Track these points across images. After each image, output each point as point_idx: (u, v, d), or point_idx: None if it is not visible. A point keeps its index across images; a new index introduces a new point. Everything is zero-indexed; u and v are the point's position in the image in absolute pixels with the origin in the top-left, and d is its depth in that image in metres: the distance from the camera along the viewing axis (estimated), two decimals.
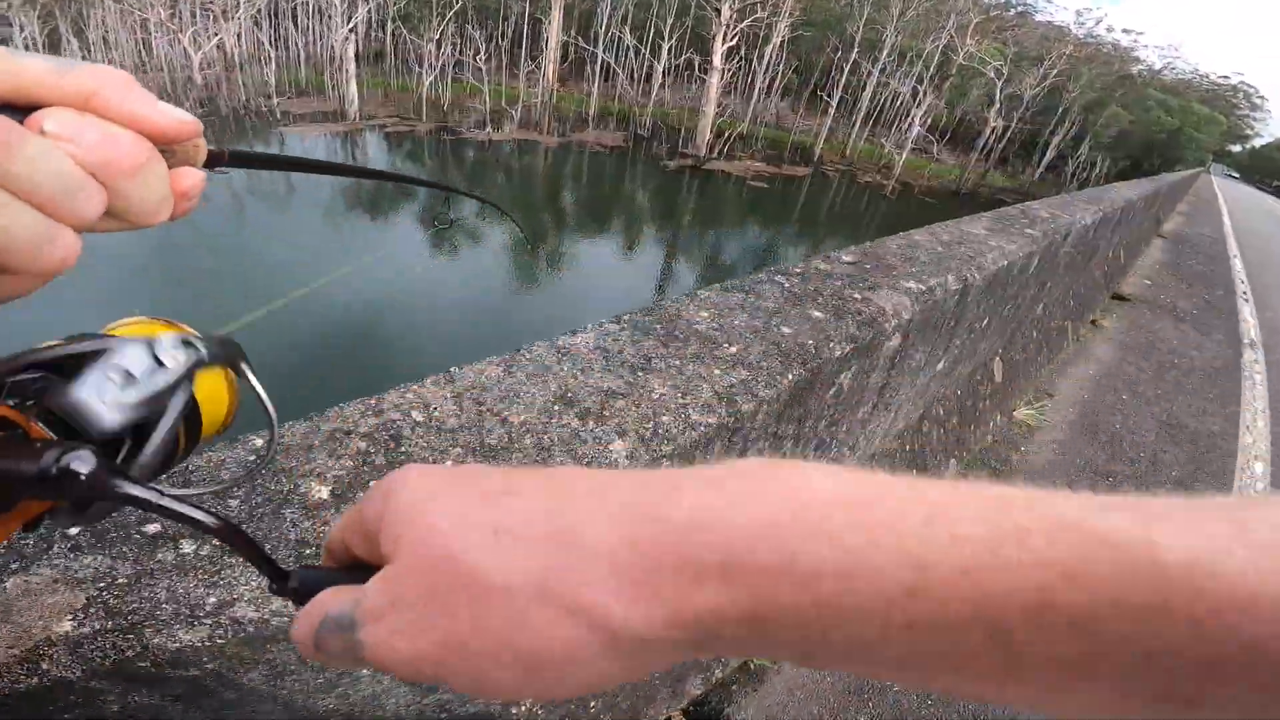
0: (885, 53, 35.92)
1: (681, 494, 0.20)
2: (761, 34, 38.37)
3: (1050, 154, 40.45)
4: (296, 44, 41.09)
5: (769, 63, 38.69)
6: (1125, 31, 46.81)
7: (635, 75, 39.17)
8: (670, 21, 35.05)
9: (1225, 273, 8.08)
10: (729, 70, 34.11)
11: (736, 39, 29.46)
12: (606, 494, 0.21)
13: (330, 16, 38.81)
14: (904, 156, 32.72)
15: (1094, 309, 4.74)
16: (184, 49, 34.91)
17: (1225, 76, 62.46)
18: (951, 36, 37.44)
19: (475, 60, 32.14)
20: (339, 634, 0.23)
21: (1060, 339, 3.72)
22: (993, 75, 35.56)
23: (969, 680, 0.18)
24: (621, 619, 0.19)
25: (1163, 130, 41.32)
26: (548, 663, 0.19)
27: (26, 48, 35.39)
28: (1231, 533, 0.16)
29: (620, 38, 36.96)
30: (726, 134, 30.69)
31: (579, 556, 0.19)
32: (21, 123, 0.22)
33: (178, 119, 0.26)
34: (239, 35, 38.49)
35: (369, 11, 43.12)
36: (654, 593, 0.18)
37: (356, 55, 43.66)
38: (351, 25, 32.67)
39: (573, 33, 40.30)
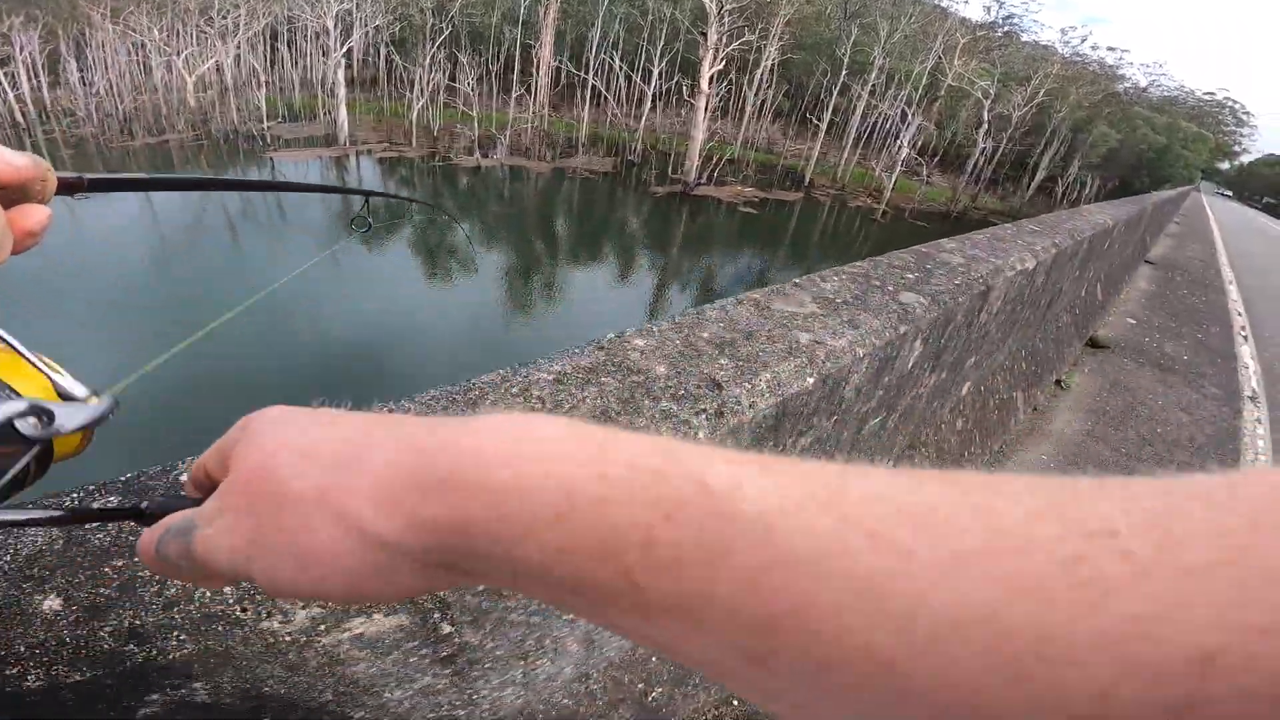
0: (874, 75, 35.47)
1: (444, 429, 0.22)
2: (751, 58, 38.07)
3: (1040, 175, 39.77)
4: (291, 69, 40.98)
5: (759, 86, 38.31)
6: (1110, 49, 46.61)
7: (626, 100, 38.85)
8: (660, 46, 34.76)
9: (1220, 304, 7.21)
10: (718, 94, 33.70)
11: (724, 63, 28.98)
12: (397, 430, 0.23)
13: (325, 41, 38.72)
14: (894, 180, 32.05)
15: (1060, 365, 3.85)
16: (179, 72, 34.80)
17: (1211, 93, 61.86)
18: (940, 58, 37.02)
19: (466, 86, 31.79)
20: (178, 539, 0.26)
21: (1006, 416, 2.85)
22: (980, 96, 35.02)
23: (617, 615, 0.19)
24: (372, 522, 0.21)
25: (1151, 148, 40.64)
26: (318, 560, 0.22)
27: (26, 68, 35.28)
28: (824, 495, 0.17)
29: (609, 63, 36.64)
30: (716, 158, 30.12)
31: (354, 474, 0.22)
32: None
33: (8, 164, 0.27)
34: (236, 59, 38.40)
35: (364, 36, 43.17)
36: (397, 503, 0.21)
37: (350, 80, 43.65)
38: (344, 50, 32.45)
39: (564, 58, 40.11)
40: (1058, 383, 3.77)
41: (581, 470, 0.20)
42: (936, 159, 39.80)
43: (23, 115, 37.49)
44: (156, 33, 39.15)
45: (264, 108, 33.62)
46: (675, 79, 34.77)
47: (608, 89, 37.83)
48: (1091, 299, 4.76)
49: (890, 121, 37.07)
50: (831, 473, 0.18)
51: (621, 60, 38.07)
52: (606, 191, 26.27)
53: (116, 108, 37.19)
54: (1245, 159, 71.02)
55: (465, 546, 0.20)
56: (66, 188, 0.33)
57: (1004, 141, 38.15)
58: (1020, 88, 36.98)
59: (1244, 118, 61.72)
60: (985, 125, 35.23)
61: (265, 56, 41.17)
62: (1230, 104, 61.20)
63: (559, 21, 39.60)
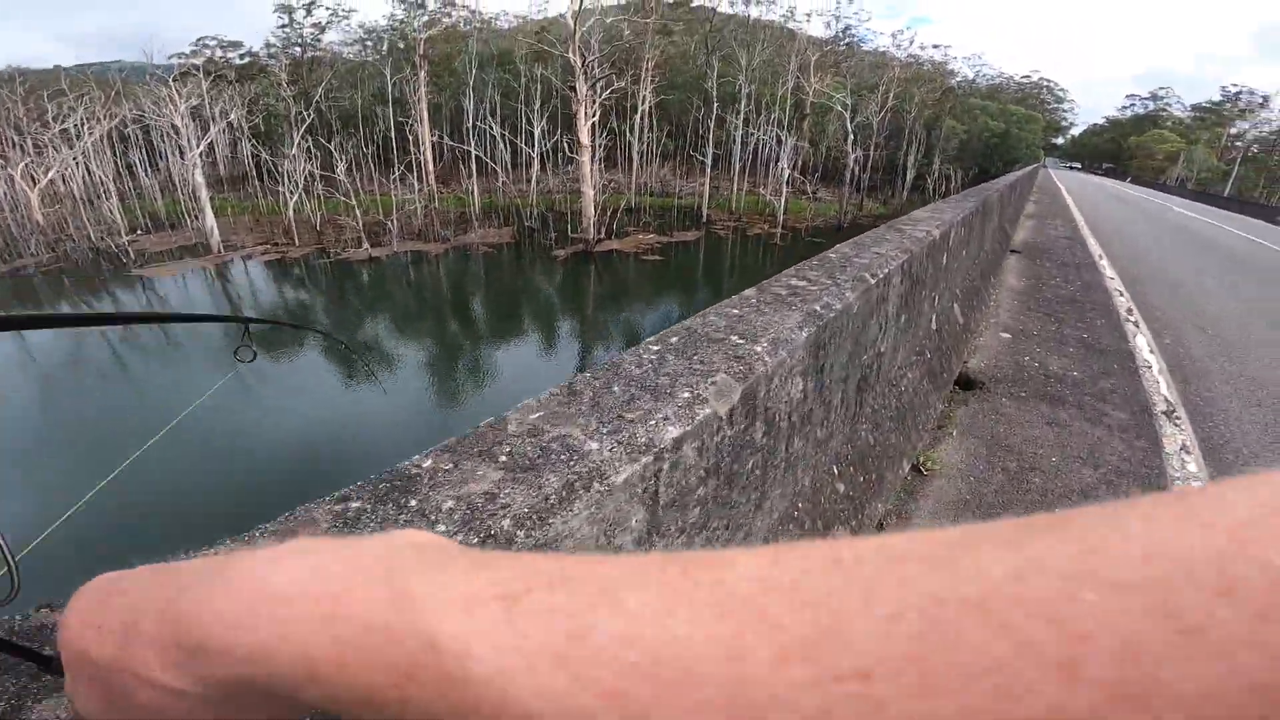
0: (743, 103, 36.16)
1: (201, 587, 0.23)
2: (629, 104, 38.24)
3: (910, 174, 41.40)
4: (148, 174, 38.02)
5: (640, 131, 38.40)
6: (935, 47, 49.88)
7: (514, 165, 37.98)
8: (537, 106, 34.28)
9: (1098, 284, 6.42)
10: (601, 145, 33.37)
11: (598, 114, 28.58)
12: (168, 589, 0.24)
13: (180, 141, 36.15)
14: (782, 201, 32.30)
15: (916, 442, 2.65)
16: (21, 187, 31.39)
17: (1027, 76, 67.39)
18: (798, 77, 38.25)
19: (338, 173, 30.06)
20: (70, 705, 0.28)
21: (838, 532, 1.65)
22: (840, 108, 36.21)
23: None
24: (168, 680, 0.22)
25: (993, 134, 43.19)
26: (152, 712, 0.23)
27: None
28: (561, 646, 0.16)
29: (489, 130, 35.80)
30: (613, 210, 29.49)
31: (135, 643, 0.23)
32: None
33: None
34: (82, 166, 35.14)
35: (223, 131, 40.76)
36: (177, 666, 0.22)
37: (217, 180, 41.02)
38: (201, 148, 30.11)
39: (445, 130, 39.06)
40: (916, 468, 2.56)
41: (315, 635, 0.19)
42: (818, 175, 40.84)
43: None
44: None
45: (121, 219, 30.63)
46: (557, 136, 34.25)
47: (493, 157, 36.95)
48: (949, 329, 3.67)
49: (768, 146, 37.80)
50: (584, 604, 0.17)
51: (502, 125, 37.42)
52: (510, 263, 24.96)
53: None
54: (1074, 132, 77.47)
55: (261, 688, 0.21)
56: None
57: (871, 148, 39.57)
58: (872, 95, 38.63)
59: (1060, 94, 67.49)
60: (851, 136, 36.37)
61: (116, 162, 38.09)
62: (1046, 83, 66.83)
63: (432, 95, 38.71)
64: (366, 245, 25.83)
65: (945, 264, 3.38)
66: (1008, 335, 4.33)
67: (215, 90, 38.52)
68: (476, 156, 34.21)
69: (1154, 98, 67.16)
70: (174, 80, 39.24)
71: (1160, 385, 3.76)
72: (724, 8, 46.41)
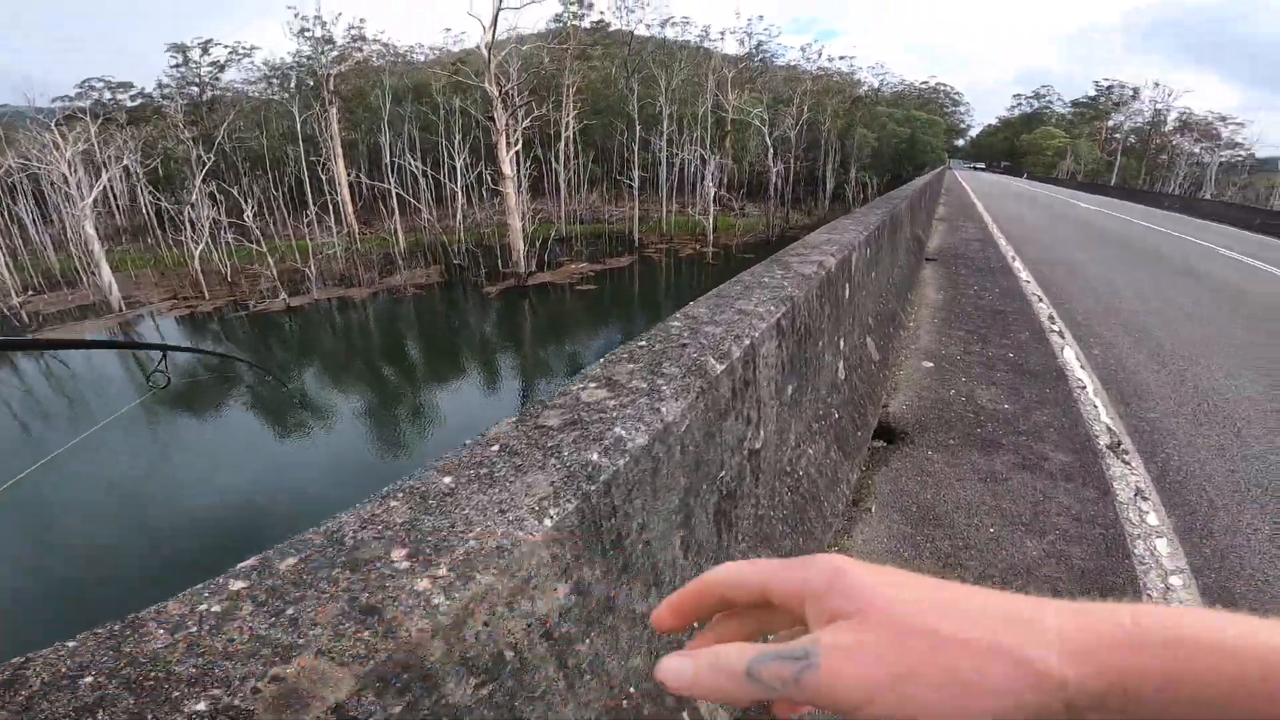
0: (666, 124, 36.30)
1: (1107, 611, 0.26)
2: (553, 131, 37.76)
3: (830, 184, 42.55)
4: (38, 228, 34.61)
5: (566, 159, 37.92)
6: (842, 58, 52.16)
7: (440, 199, 36.67)
8: (458, 138, 33.29)
9: (1017, 292, 6.07)
10: (526, 175, 32.61)
11: (520, 142, 27.88)
12: (1032, 602, 0.28)
13: (70, 190, 33.15)
14: (711, 220, 32.38)
15: (824, 532, 2.03)
16: None
17: (925, 81, 71.38)
18: (716, 95, 38.80)
19: (246, 218, 28.14)
20: (789, 663, 0.29)
21: None
22: (759, 124, 36.87)
23: None
24: (1057, 669, 0.25)
25: (901, 140, 45.16)
26: (980, 693, 0.26)
27: None
28: None
29: (409, 166, 34.49)
30: (543, 240, 28.72)
31: (1034, 631, 0.26)
32: None
33: None
34: None
35: (119, 178, 37.80)
36: (1088, 654, 0.25)
37: (117, 231, 37.88)
38: (91, 197, 27.49)
39: (363, 168, 37.43)
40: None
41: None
42: (744, 191, 41.40)
43: None
44: None
45: (10, 279, 27.64)
46: (480, 167, 33.33)
47: (415, 194, 35.58)
48: (862, 371, 3.12)
49: (694, 166, 38.05)
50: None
51: (423, 160, 36.13)
52: (439, 303, 23.74)
53: None
54: (972, 133, 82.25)
55: (1134, 691, 0.25)
56: None
57: (792, 161, 40.48)
58: (788, 108, 39.61)
59: (957, 97, 71.68)
60: (771, 150, 37.05)
61: (4, 216, 34.53)
62: (943, 88, 70.88)
63: (347, 132, 37.10)
64: (284, 295, 24.10)
65: (849, 297, 2.83)
66: (930, 364, 3.84)
67: (105, 134, 35.65)
68: (398, 194, 32.87)
69: (1037, 96, 72.07)
70: (57, 125, 36.07)
71: (1099, 411, 3.32)
72: (641, 30, 46.93)
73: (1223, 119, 52.15)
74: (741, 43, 49.79)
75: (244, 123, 38.17)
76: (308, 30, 36.65)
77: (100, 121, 37.70)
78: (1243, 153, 49.62)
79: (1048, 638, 0.26)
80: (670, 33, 48.49)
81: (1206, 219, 18.71)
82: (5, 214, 34.81)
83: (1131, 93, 59.08)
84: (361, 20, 51.71)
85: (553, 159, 37.89)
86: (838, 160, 43.70)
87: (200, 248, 28.05)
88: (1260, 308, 6.05)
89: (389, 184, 33.27)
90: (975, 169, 67.12)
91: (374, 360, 17.25)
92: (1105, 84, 63.26)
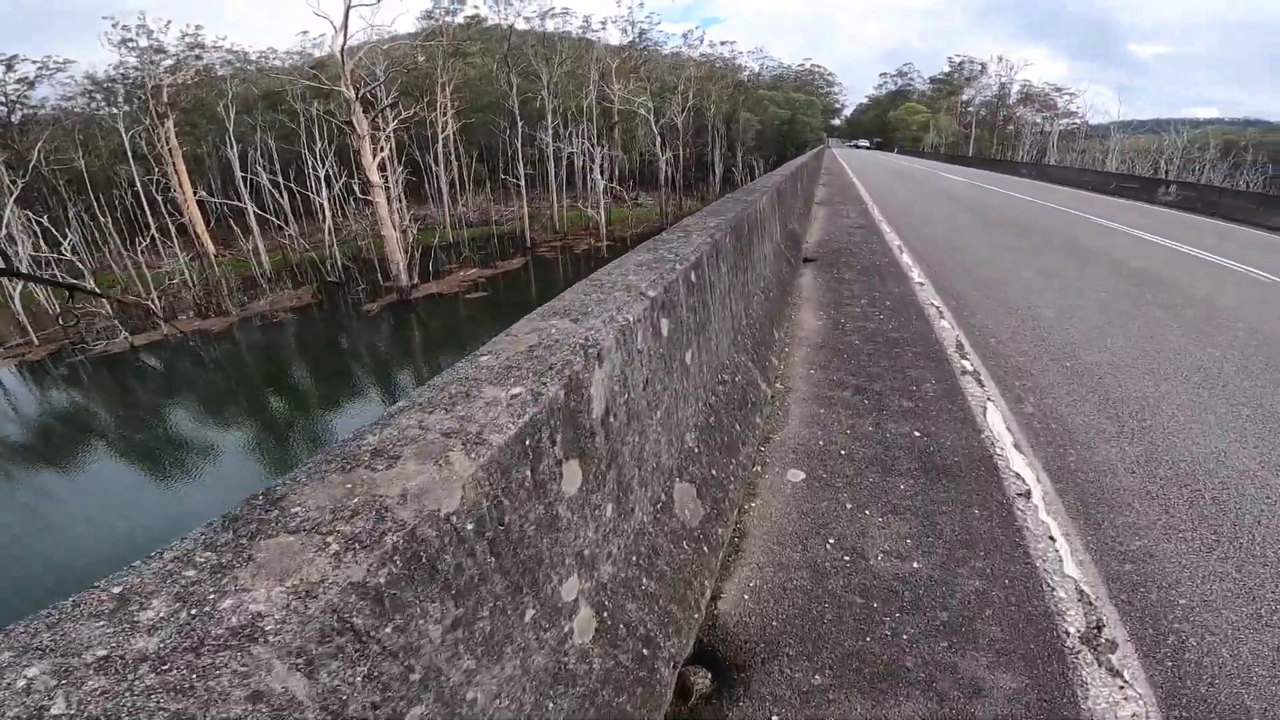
0: (550, 118, 34.05)
1: None
2: (430, 132, 34.50)
3: (720, 168, 42.02)
4: None
5: (445, 160, 34.84)
6: (723, 44, 51.55)
7: (309, 213, 32.65)
8: (318, 146, 29.51)
9: (913, 304, 4.69)
10: (403, 179, 29.48)
11: (389, 146, 24.86)
12: None
13: None
14: (602, 213, 30.69)
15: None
16: None
17: (802, 64, 73.08)
18: (602, 86, 36.97)
19: (64, 250, 23.49)
20: None
21: None
22: (644, 113, 35.51)
23: None
24: None
25: (782, 122, 45.46)
26: None
27: None
28: None
29: (262, 180, 30.30)
30: (424, 249, 25.96)
31: None
32: None
33: None
34: None
35: None
36: None
37: None
38: None
39: (214, 185, 32.80)
40: None
41: None
42: (634, 181, 39.99)
43: None
44: None
45: None
46: (347, 177, 29.77)
47: (276, 210, 31.41)
48: (653, 578, 1.59)
49: (582, 159, 36.09)
50: None
51: (284, 173, 31.96)
52: (315, 326, 20.63)
53: None
54: (847, 113, 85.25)
55: None
56: None
57: (681, 148, 39.48)
58: (674, 96, 38.50)
59: (830, 79, 73.87)
60: (659, 138, 35.81)
61: None
62: (818, 69, 72.77)
63: (189, 146, 32.19)
64: (125, 333, 20.22)
65: (650, 399, 1.28)
66: (800, 474, 2.40)
67: None
68: (255, 211, 28.83)
69: (901, 74, 75.44)
70: None
71: (1064, 560, 1.98)
72: (520, 25, 44.01)
73: (1058, 90, 56.41)
74: (624, 32, 47.97)
75: (64, 142, 32.46)
76: (130, 40, 31.70)
77: None
78: (1078, 120, 53.85)
79: None
80: (551, 25, 45.88)
81: (1063, 184, 19.18)
82: None
83: (979, 68, 62.78)
84: (197, 27, 45.93)
85: (431, 161, 34.79)
86: (725, 145, 43.20)
87: (20, 287, 23.16)
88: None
89: (243, 200, 29.11)
90: (857, 147, 69.17)
91: (232, 397, 14.54)
92: (957, 60, 66.94)
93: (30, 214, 26.69)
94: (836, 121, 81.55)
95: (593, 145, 34.17)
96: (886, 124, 68.35)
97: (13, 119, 35.64)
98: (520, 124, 33.81)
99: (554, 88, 34.31)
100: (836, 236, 8.23)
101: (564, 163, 35.47)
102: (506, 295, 22.56)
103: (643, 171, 40.63)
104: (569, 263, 27.99)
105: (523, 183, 32.05)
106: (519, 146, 33.85)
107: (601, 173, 32.81)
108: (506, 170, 35.52)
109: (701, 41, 52.94)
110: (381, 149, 23.83)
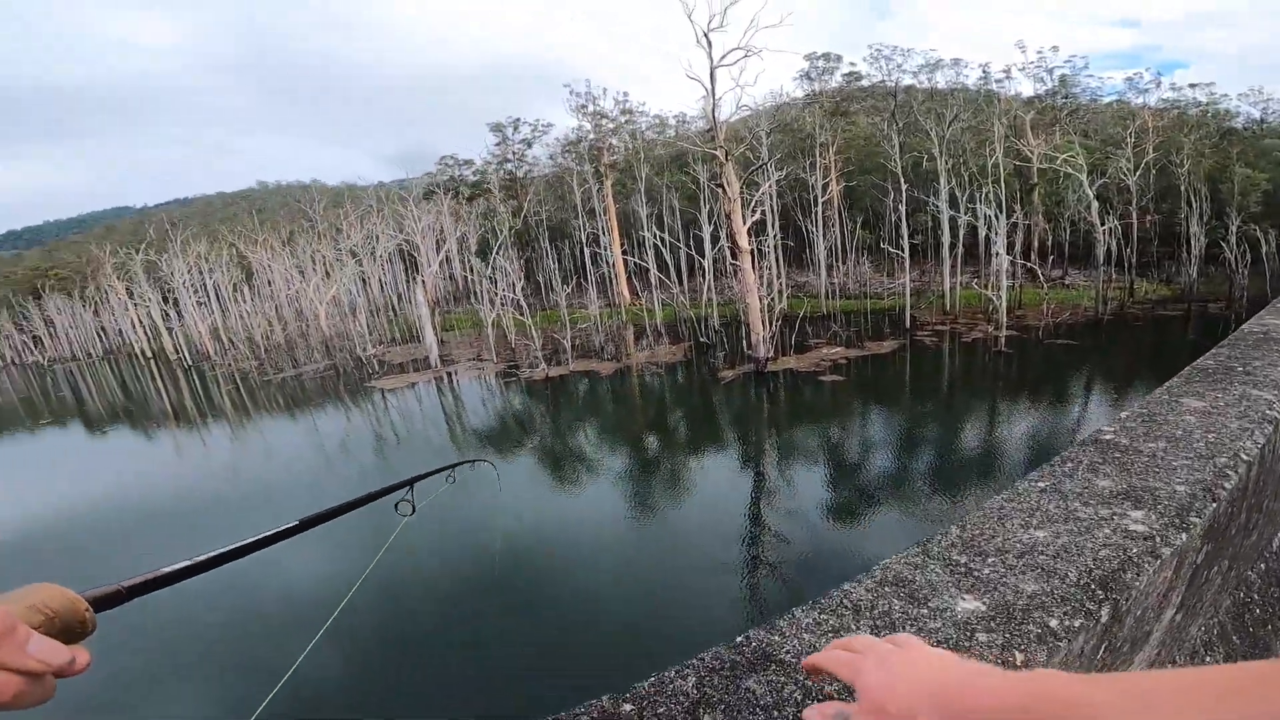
0: (944, 180, 28.12)
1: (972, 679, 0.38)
2: (810, 195, 32.49)
3: (1201, 241, 28.71)
4: (400, 289, 40.67)
5: (823, 224, 32.13)
6: (1193, 86, 34.51)
7: (690, 274, 33.96)
8: (705, 208, 30.03)
9: None
10: (772, 245, 27.93)
11: (759, 211, 22.91)
12: (970, 679, 0.38)
13: (419, 258, 38.01)
14: (1003, 294, 23.50)
15: None
16: (311, 301, 35.43)
17: None
18: (1012, 141, 29.09)
19: (514, 289, 28.82)
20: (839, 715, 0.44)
21: None
22: (1075, 171, 26.27)
23: None
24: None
25: None
26: None
27: (215, 298, 37.56)
28: None
29: (656, 239, 32.30)
30: (793, 319, 23.81)
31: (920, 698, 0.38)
32: None
33: (42, 662, 0.33)
34: (355, 281, 38.98)
35: (453, 248, 42.93)
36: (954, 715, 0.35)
37: (454, 294, 43.31)
38: (435, 266, 31.59)
39: (631, 239, 36.60)
40: None
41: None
42: (1058, 256, 30.50)
43: (211, 347, 40.52)
44: (296, 263, 40.71)
45: (367, 333, 33.02)
46: (725, 239, 29.77)
47: (664, 267, 33.48)
48: None
49: (986, 228, 28.97)
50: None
51: (686, 231, 33.86)
52: (673, 389, 20.65)
53: (267, 339, 39.17)
54: None
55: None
56: (106, 602, 0.34)
57: (1134, 214, 28.34)
58: (1119, 151, 27.79)
59: None
60: (1094, 202, 26.11)
61: (380, 279, 41.41)
62: None
63: (617, 203, 36.68)
64: (543, 365, 23.50)
65: None
66: None
67: (454, 206, 40.85)
68: (654, 268, 31.12)
69: None
70: (416, 199, 42.53)
71: None
72: (907, 80, 38.60)
73: None
74: (1041, 80, 37.38)
75: (544, 195, 40.28)
76: (585, 106, 35.90)
77: (450, 195, 43.97)
78: None
79: (924, 704, 0.37)
80: (942, 78, 38.89)
81: None
82: (381, 278, 42.71)
83: None
84: (625, 94, 51.92)
85: (809, 225, 32.54)
86: (1209, 210, 29.49)
87: (494, 315, 29.58)
88: None
89: (646, 256, 31.89)
90: None
91: (574, 442, 14.68)
92: None
93: (516, 251, 34.18)
94: None
95: (997, 211, 26.80)
96: None
97: (517, 174, 43.13)
98: (904, 187, 28.86)
99: (948, 146, 28.25)
100: None
101: (959, 231, 28.93)
102: (861, 384, 18.25)
103: (1074, 244, 30.72)
104: (954, 353, 21.73)
105: (905, 253, 27.05)
106: (903, 212, 28.98)
107: (1009, 245, 25.41)
108: (892, 240, 30.96)
109: (1158, 85, 37.74)
110: (753, 212, 21.99)
